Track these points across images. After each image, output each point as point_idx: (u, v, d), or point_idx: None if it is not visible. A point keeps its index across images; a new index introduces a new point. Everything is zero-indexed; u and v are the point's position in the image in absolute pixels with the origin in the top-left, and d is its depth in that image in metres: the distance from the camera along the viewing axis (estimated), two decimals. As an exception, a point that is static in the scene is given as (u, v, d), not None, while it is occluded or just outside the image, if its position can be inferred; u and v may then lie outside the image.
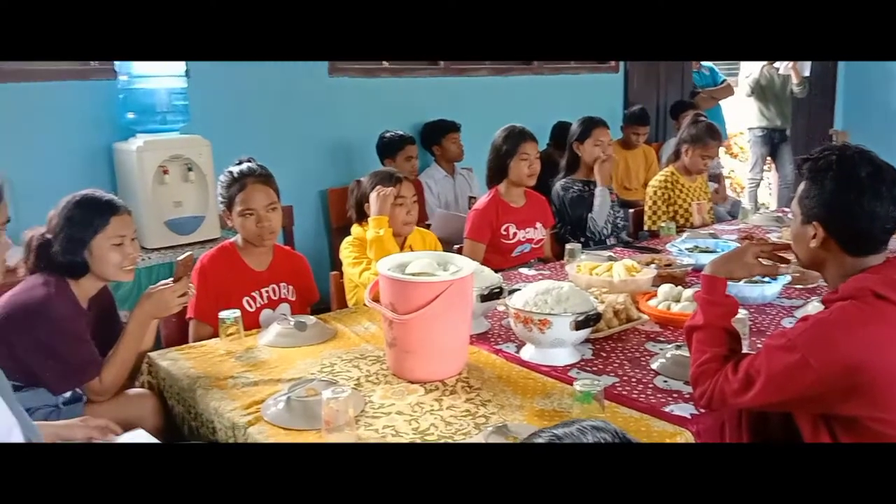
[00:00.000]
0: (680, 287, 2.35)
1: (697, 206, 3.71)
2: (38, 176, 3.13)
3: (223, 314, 2.11)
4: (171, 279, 2.08)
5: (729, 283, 1.69)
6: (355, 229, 2.66)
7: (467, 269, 1.87)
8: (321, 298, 2.60)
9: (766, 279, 2.34)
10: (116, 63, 3.35)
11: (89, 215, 1.97)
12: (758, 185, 6.55)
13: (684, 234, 3.27)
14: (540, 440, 0.71)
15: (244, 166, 2.36)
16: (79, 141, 3.39)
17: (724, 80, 6.27)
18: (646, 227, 3.79)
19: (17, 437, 1.38)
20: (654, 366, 1.88)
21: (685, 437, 1.55)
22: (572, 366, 1.91)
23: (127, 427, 1.76)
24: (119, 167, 3.40)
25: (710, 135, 3.69)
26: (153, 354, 2.08)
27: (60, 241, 1.95)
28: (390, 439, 1.55)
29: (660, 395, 1.72)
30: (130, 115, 3.35)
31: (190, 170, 3.32)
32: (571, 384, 1.69)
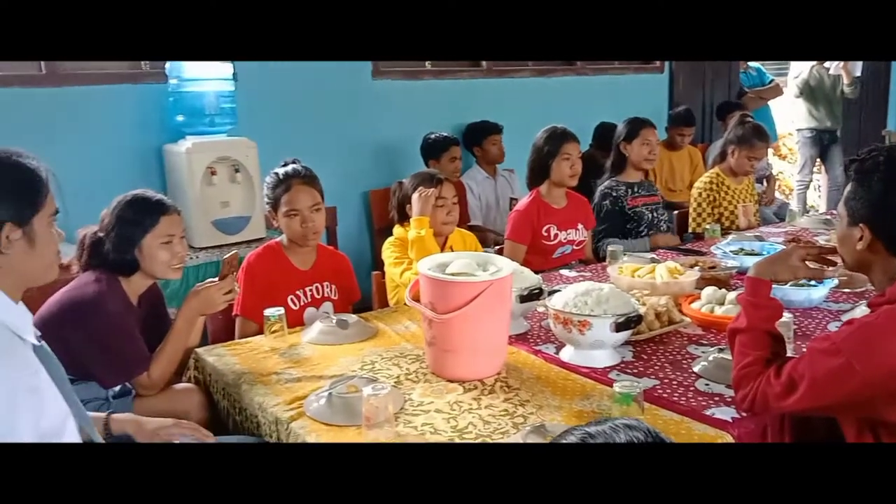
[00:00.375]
0: (724, 290, 2.32)
1: (743, 208, 3.65)
2: (92, 176, 3.23)
3: (268, 312, 2.15)
4: (218, 277, 2.13)
5: (774, 285, 1.67)
6: (397, 230, 2.69)
7: (506, 270, 1.88)
8: (363, 298, 2.64)
9: (813, 282, 2.29)
10: (167, 66, 3.44)
11: (140, 215, 2.03)
12: (807, 188, 6.41)
13: (729, 237, 3.23)
14: (572, 437, 0.72)
15: (289, 168, 2.40)
16: (131, 142, 3.49)
17: (773, 81, 6.14)
18: (690, 230, 3.74)
19: (71, 425, 1.44)
20: (696, 369, 1.87)
21: (726, 440, 1.53)
22: (612, 367, 1.91)
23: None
24: (169, 168, 3.49)
25: (758, 136, 3.63)
26: (200, 350, 2.14)
27: (112, 239, 2.01)
28: (429, 437, 1.57)
29: (701, 399, 1.71)
30: (180, 118, 3.44)
31: (237, 171, 3.40)
32: (611, 386, 1.69)
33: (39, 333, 1.45)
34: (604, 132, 4.46)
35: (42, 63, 3.29)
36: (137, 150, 3.51)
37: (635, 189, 3.42)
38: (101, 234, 2.04)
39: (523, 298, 2.11)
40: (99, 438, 1.57)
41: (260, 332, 2.22)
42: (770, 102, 6.11)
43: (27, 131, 3.12)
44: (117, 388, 2.00)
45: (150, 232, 2.03)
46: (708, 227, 3.48)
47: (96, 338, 1.94)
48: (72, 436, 1.44)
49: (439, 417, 1.66)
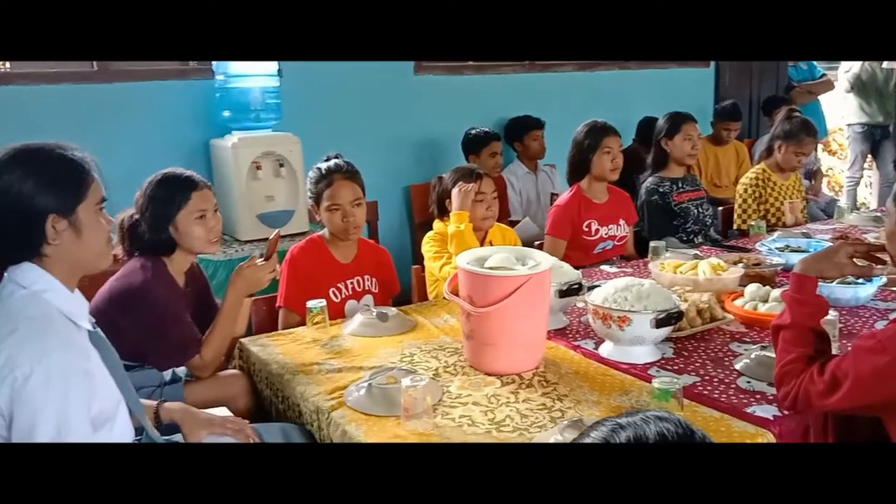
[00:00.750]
0: (768, 287, 2.28)
1: (790, 204, 3.58)
2: (141, 170, 3.26)
3: (310, 303, 2.20)
4: (263, 257, 2.18)
5: (820, 283, 1.64)
6: (437, 224, 2.71)
7: (545, 264, 1.88)
8: (403, 291, 2.66)
9: (860, 280, 2.24)
10: (214, 63, 3.51)
11: (171, 192, 2.07)
12: (857, 184, 6.24)
13: (775, 234, 3.17)
14: (603, 429, 0.72)
15: (331, 163, 2.44)
16: (178, 137, 3.57)
17: (823, 75, 6.00)
18: (735, 226, 3.68)
19: (123, 411, 1.49)
20: (738, 366, 1.85)
21: (766, 438, 1.52)
22: (652, 364, 1.90)
23: (221, 406, 1.87)
24: (215, 163, 3.56)
25: (805, 131, 3.55)
26: (244, 340, 2.19)
27: (147, 219, 2.06)
28: (466, 429, 1.58)
29: (742, 396, 1.69)
30: (226, 113, 3.51)
31: (281, 165, 3.45)
32: (650, 382, 1.68)
33: (94, 320, 1.51)
34: (647, 127, 4.40)
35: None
36: (185, 145, 3.59)
37: (679, 185, 3.38)
38: (136, 217, 2.09)
39: (562, 293, 2.10)
40: (149, 425, 1.63)
41: (302, 323, 2.27)
42: (820, 97, 5.97)
43: (79, 126, 3.23)
44: (168, 376, 2.06)
45: (183, 208, 2.07)
46: (753, 223, 3.43)
47: (148, 324, 1.99)
48: (123, 421, 1.50)
49: (477, 410, 1.67)
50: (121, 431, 1.49)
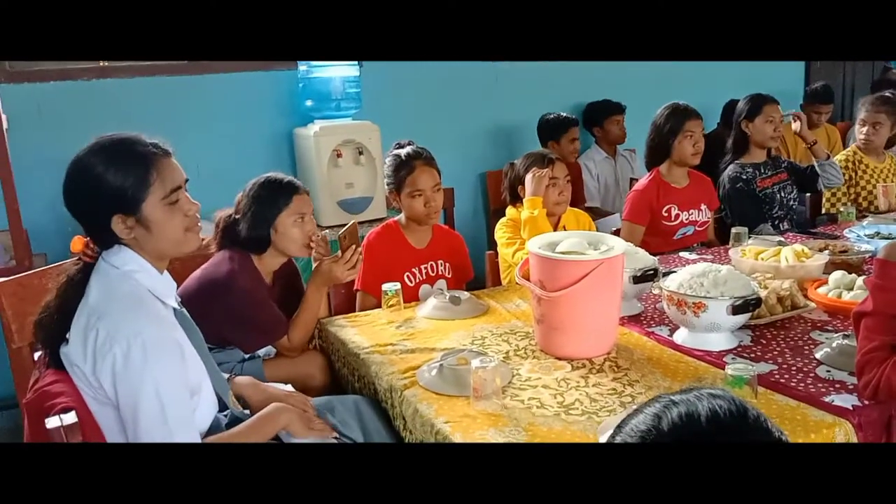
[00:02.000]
0: (854, 275, 2.20)
1: (884, 188, 3.41)
2: (228, 159, 3.47)
3: (385, 287, 2.26)
4: (340, 252, 2.24)
5: None
6: (510, 211, 2.72)
7: (618, 249, 1.87)
8: (477, 277, 2.69)
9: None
10: (297, 54, 3.61)
11: (275, 194, 2.18)
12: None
13: (866, 220, 3.03)
14: (658, 405, 0.73)
15: (410, 149, 2.48)
16: (264, 126, 3.70)
17: None
18: (824, 210, 3.54)
19: (207, 385, 1.58)
20: (818, 355, 1.79)
21: (844, 427, 1.47)
22: (728, 351, 1.86)
23: (300, 382, 1.95)
24: (298, 151, 3.68)
25: (871, 102, 3.41)
26: (324, 321, 2.27)
27: (248, 218, 2.17)
28: (535, 411, 1.60)
29: (821, 385, 1.64)
30: (308, 103, 3.61)
31: (361, 153, 3.53)
32: (724, 369, 1.66)
33: (180, 300, 1.60)
34: (732, 110, 4.26)
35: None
36: (270, 134, 3.72)
37: (762, 170, 3.28)
38: (236, 216, 2.20)
39: (637, 279, 2.09)
40: (232, 400, 1.72)
41: (378, 305, 2.33)
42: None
43: (172, 116, 3.39)
44: (247, 355, 2.16)
45: (285, 210, 2.17)
46: (843, 209, 3.28)
47: (234, 311, 2.10)
48: (208, 395, 1.59)
49: (546, 393, 1.69)
50: (206, 405, 1.58)
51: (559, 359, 1.87)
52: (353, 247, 2.23)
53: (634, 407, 1.46)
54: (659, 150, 3.04)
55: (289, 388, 1.88)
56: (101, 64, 3.39)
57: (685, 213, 3.04)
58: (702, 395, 0.72)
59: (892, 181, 3.51)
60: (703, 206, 3.08)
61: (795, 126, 3.40)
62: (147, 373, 1.37)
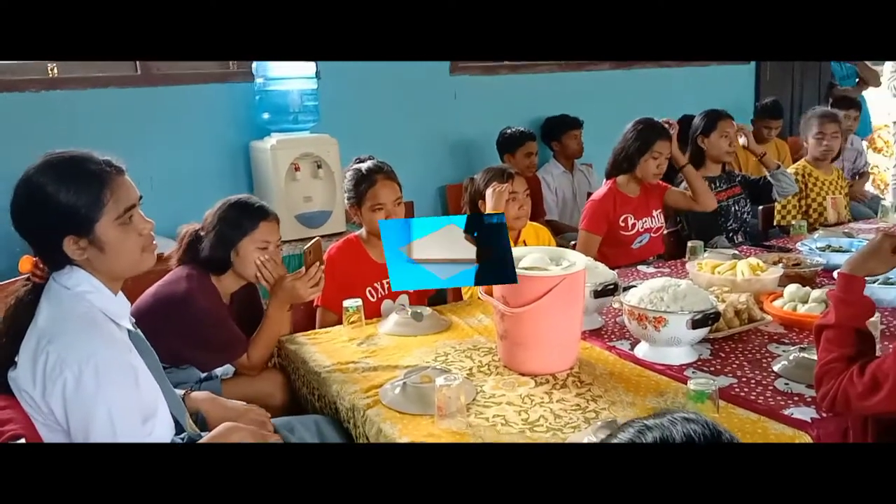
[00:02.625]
0: (808, 288, 2.25)
1: (832, 200, 3.51)
2: (184, 172, 3.40)
3: (347, 303, 2.22)
4: (303, 269, 2.20)
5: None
6: (471, 225, 2.71)
7: (580, 265, 1.88)
8: (438, 291, 2.68)
9: (904, 281, 2.19)
10: (253, 66, 3.57)
11: (241, 217, 2.13)
12: (904, 182, 6.07)
13: (817, 233, 3.11)
14: (631, 430, 0.73)
15: (371, 163, 2.46)
16: (220, 139, 3.65)
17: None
18: (775, 223, 3.62)
19: (163, 407, 1.53)
20: (776, 368, 1.82)
21: (804, 440, 1.50)
22: (688, 365, 1.88)
23: (259, 401, 1.90)
24: (255, 164, 3.62)
25: (824, 115, 3.53)
26: (283, 338, 2.22)
27: (211, 237, 2.12)
28: (500, 428, 1.59)
29: (780, 398, 1.67)
30: (265, 116, 3.57)
31: (319, 167, 3.50)
32: (686, 383, 1.67)
33: (134, 321, 1.55)
34: (686, 125, 4.35)
35: (137, 63, 3.47)
36: (226, 147, 3.66)
37: (717, 184, 3.34)
38: (201, 233, 2.14)
39: (597, 294, 2.10)
40: (188, 422, 1.67)
41: (339, 322, 2.30)
42: (865, 93, 5.82)
43: (124, 128, 3.32)
44: (204, 374, 2.11)
45: (249, 235, 2.12)
46: (795, 222, 3.37)
47: (191, 330, 2.04)
48: (164, 416, 1.54)
49: (511, 410, 1.68)
50: (162, 427, 1.53)
51: (522, 374, 1.86)
52: (318, 263, 2.20)
53: (599, 423, 1.49)
54: (623, 163, 3.05)
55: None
56: (51, 75, 3.29)
57: (640, 221, 3.08)
58: (675, 419, 0.72)
59: (840, 194, 3.61)
60: (654, 213, 3.13)
61: (742, 141, 3.48)
62: (100, 397, 1.33)
